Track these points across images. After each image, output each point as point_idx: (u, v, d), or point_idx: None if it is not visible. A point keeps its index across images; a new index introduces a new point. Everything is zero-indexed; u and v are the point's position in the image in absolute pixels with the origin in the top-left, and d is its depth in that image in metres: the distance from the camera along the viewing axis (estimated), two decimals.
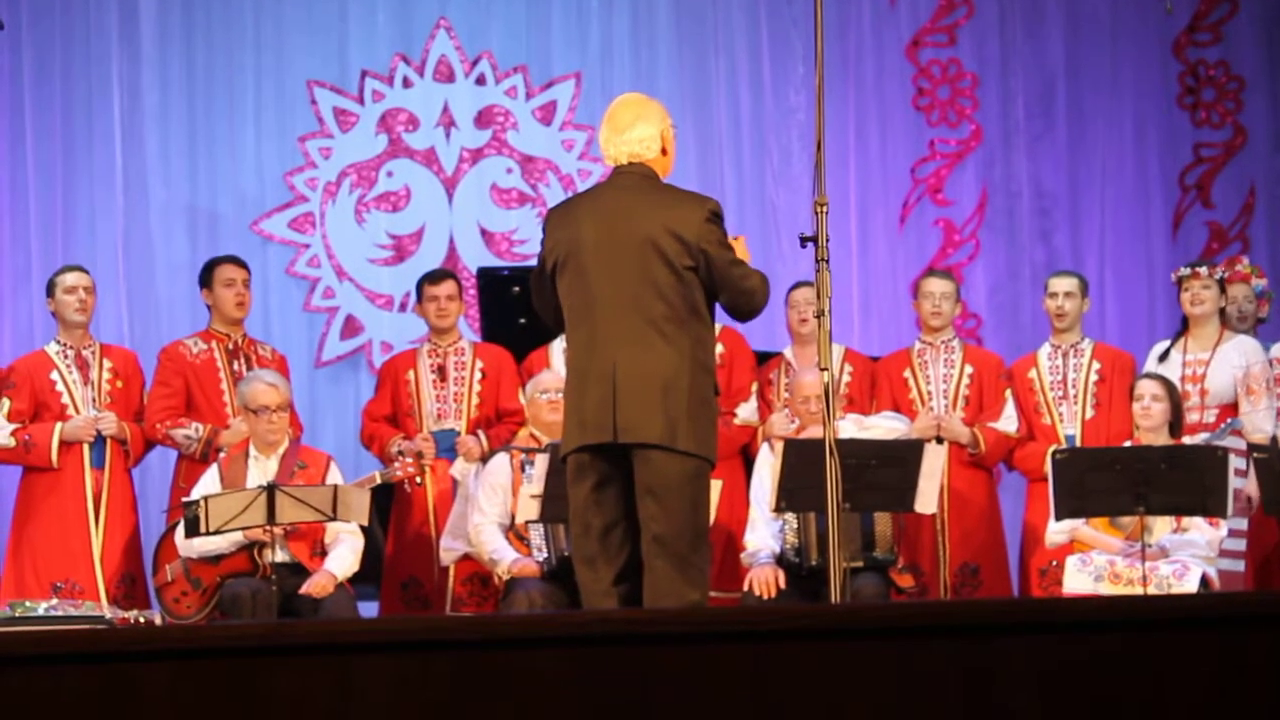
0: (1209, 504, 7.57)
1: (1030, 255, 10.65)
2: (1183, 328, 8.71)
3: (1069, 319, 8.74)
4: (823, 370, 6.03)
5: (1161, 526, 7.93)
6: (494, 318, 9.37)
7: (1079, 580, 7.80)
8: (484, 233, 10.49)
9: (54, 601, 7.64)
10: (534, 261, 6.25)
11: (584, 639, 3.81)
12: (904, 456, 7.76)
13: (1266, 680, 3.79)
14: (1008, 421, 8.68)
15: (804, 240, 6.06)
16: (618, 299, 5.91)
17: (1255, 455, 7.88)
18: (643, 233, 5.92)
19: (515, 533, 8.06)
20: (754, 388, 8.83)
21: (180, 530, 7.87)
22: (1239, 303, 8.89)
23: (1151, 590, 7.57)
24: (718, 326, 8.98)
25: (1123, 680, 3.78)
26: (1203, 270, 8.65)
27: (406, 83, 10.53)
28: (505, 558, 8.01)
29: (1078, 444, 8.54)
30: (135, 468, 8.66)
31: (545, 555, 7.88)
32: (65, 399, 8.44)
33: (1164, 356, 8.62)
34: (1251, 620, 3.85)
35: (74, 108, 10.24)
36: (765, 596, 7.93)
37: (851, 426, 8.17)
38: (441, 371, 8.75)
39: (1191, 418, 8.44)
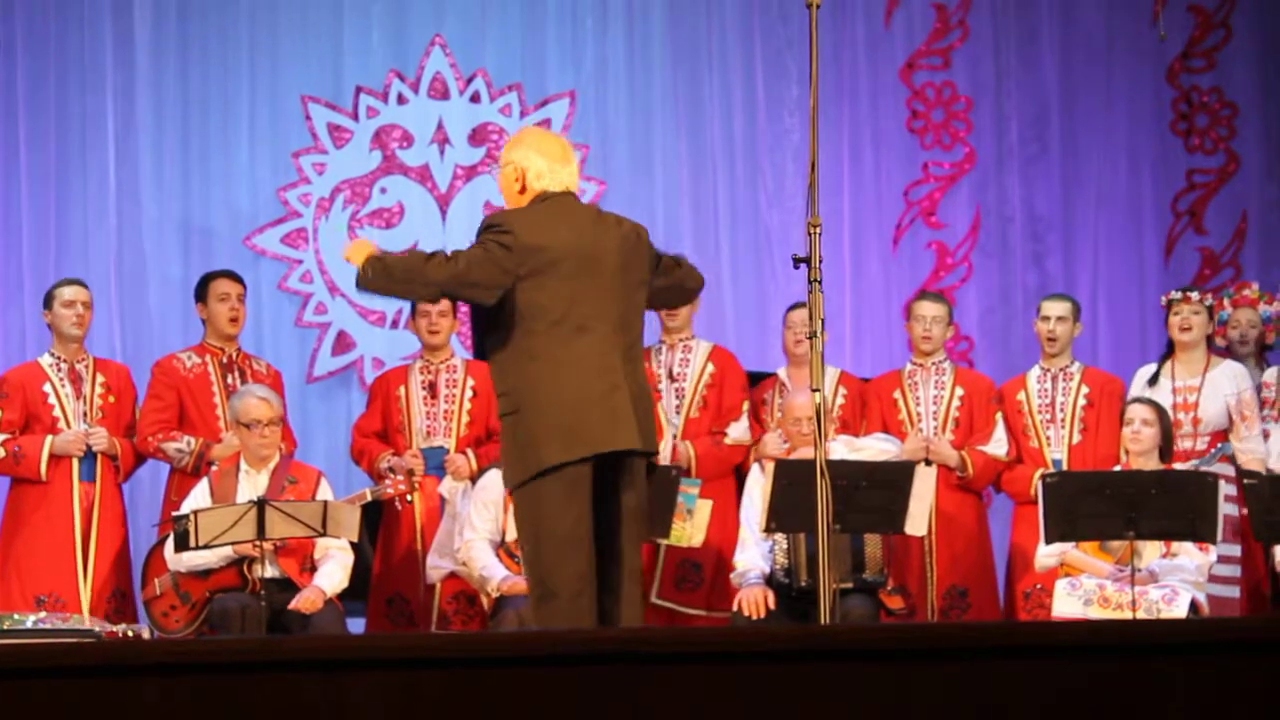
0: (1199, 529, 7.58)
1: (1022, 279, 10.66)
2: (1168, 352, 8.72)
3: (1060, 343, 8.75)
4: (814, 391, 6.03)
5: (1151, 551, 7.94)
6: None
7: (1068, 604, 7.80)
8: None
9: (42, 615, 7.63)
10: None
11: (574, 658, 3.81)
12: (894, 478, 7.77)
13: (1254, 706, 3.79)
14: (997, 445, 8.69)
15: (797, 261, 6.08)
16: (607, 315, 5.97)
17: (1246, 482, 7.89)
18: (618, 250, 6.03)
19: (506, 550, 8.06)
20: (745, 406, 8.84)
21: (170, 544, 7.86)
22: (1242, 328, 8.90)
23: (1140, 615, 7.57)
24: (709, 345, 9.05)
25: (1113, 705, 3.78)
26: (1193, 295, 8.67)
27: (401, 99, 10.53)
28: (495, 575, 8.01)
29: (1064, 468, 8.55)
30: (125, 482, 8.66)
31: None
32: (57, 412, 8.44)
33: (1152, 381, 8.63)
34: (1239, 646, 3.85)
35: (68, 121, 10.23)
36: (754, 617, 7.93)
37: (842, 448, 8.18)
38: (433, 388, 8.75)
39: (1184, 445, 8.45)
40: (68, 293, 8.54)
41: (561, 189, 6.06)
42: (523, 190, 6.09)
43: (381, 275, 6.13)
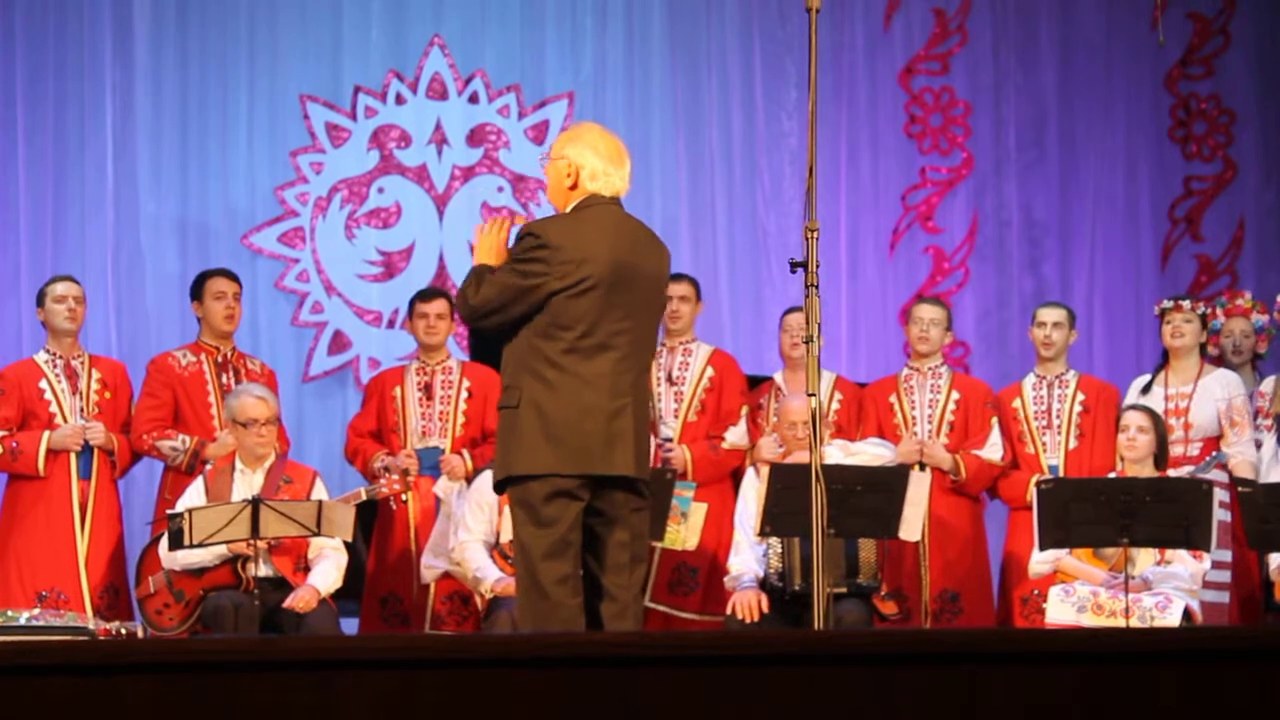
0: (1193, 536, 7.58)
1: (1019, 284, 10.67)
2: (1163, 361, 8.74)
3: (1055, 349, 8.77)
4: (810, 396, 6.02)
5: (1145, 558, 7.94)
6: (482, 337, 9.36)
7: (1062, 611, 7.81)
8: (474, 251, 10.47)
9: (36, 611, 7.63)
10: None
11: (568, 660, 3.81)
12: (889, 483, 7.77)
13: (1247, 714, 3.79)
14: (992, 449, 8.69)
15: (794, 265, 6.06)
16: (629, 334, 5.92)
17: (1241, 490, 7.90)
18: (652, 271, 6.03)
19: (500, 551, 8.06)
20: (744, 411, 8.83)
21: (164, 542, 7.86)
22: (1235, 337, 8.91)
23: (1134, 622, 7.58)
24: (709, 349, 9.04)
25: (1105, 713, 3.78)
26: (1185, 303, 8.69)
27: (399, 99, 10.53)
28: (489, 576, 8.01)
29: (1060, 474, 8.55)
30: (121, 479, 8.66)
31: None
32: (53, 408, 8.44)
33: (1146, 390, 8.65)
34: (1232, 654, 3.85)
35: (66, 118, 10.23)
36: (748, 621, 7.93)
37: (837, 452, 8.18)
38: (428, 389, 8.76)
39: (1175, 450, 8.46)
40: (59, 288, 8.55)
41: (612, 194, 5.98)
42: (574, 187, 5.99)
43: (467, 286, 6.27)
